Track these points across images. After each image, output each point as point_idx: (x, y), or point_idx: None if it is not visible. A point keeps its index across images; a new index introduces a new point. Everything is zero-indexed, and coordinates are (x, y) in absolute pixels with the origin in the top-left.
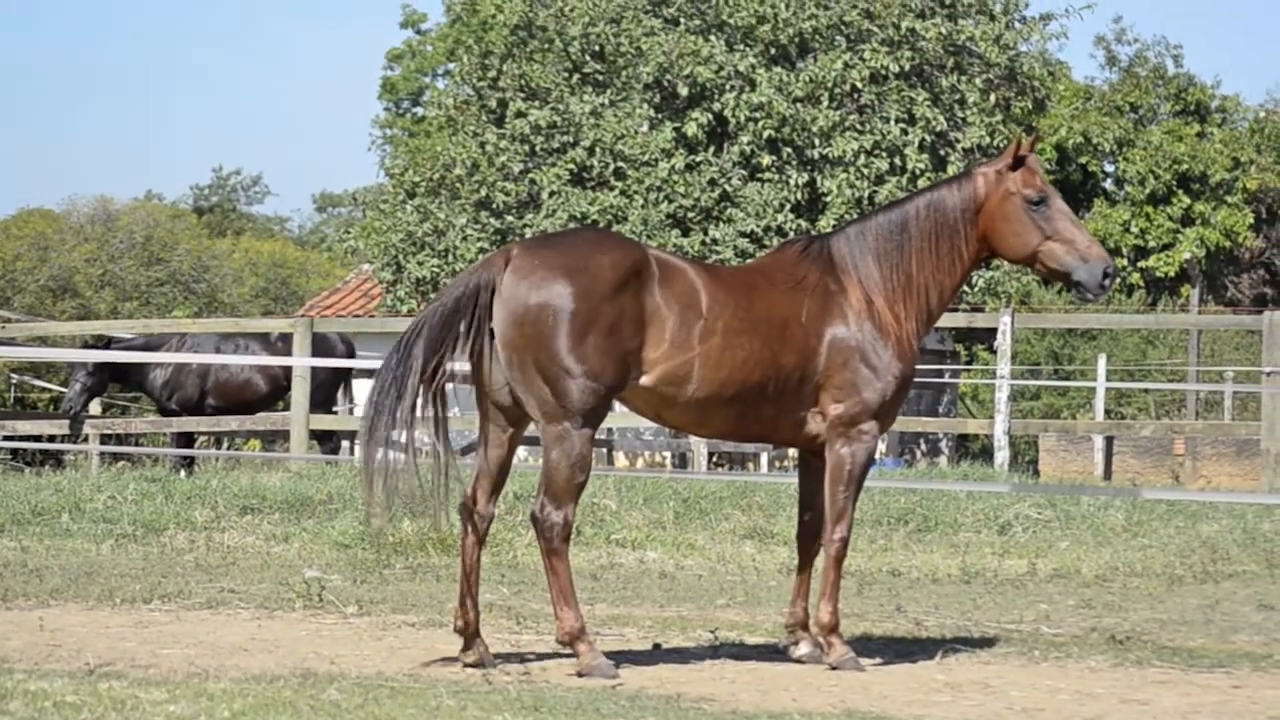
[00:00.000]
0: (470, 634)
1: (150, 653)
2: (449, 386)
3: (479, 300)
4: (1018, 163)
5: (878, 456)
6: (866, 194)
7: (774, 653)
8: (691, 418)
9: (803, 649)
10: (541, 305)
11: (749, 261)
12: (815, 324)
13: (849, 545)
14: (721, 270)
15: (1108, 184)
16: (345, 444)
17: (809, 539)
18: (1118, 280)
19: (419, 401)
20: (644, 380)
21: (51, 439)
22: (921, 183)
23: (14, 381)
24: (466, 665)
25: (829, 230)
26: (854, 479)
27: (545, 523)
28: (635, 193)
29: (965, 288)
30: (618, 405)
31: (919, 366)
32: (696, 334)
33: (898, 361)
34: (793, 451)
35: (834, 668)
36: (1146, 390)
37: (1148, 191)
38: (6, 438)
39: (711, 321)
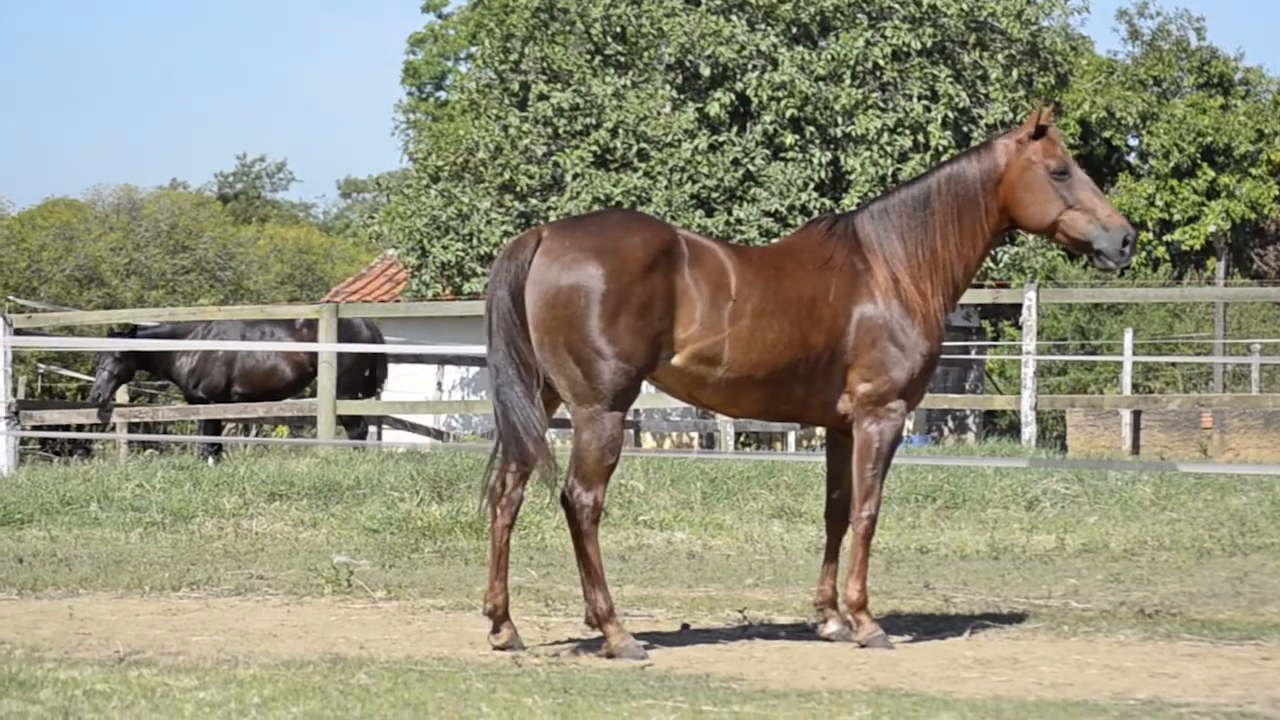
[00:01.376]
0: (500, 617)
1: (180, 640)
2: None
3: (516, 286)
4: (1039, 133)
5: (904, 434)
6: (890, 171)
7: (803, 631)
8: (723, 398)
9: (831, 627)
10: (573, 286)
11: (775, 242)
12: (843, 303)
13: (877, 523)
14: (749, 251)
15: (1132, 158)
16: (372, 429)
17: (837, 517)
18: (1139, 250)
19: (535, 384)
20: (675, 361)
21: (79, 428)
22: (945, 160)
23: (41, 371)
24: (496, 648)
25: (853, 209)
26: (882, 457)
27: (575, 504)
28: (659, 174)
29: (990, 264)
30: (646, 386)
31: (945, 344)
32: (726, 315)
33: (925, 340)
34: (820, 430)
35: (863, 645)
36: (1173, 364)
37: (1172, 165)
38: (35, 427)
39: (741, 303)
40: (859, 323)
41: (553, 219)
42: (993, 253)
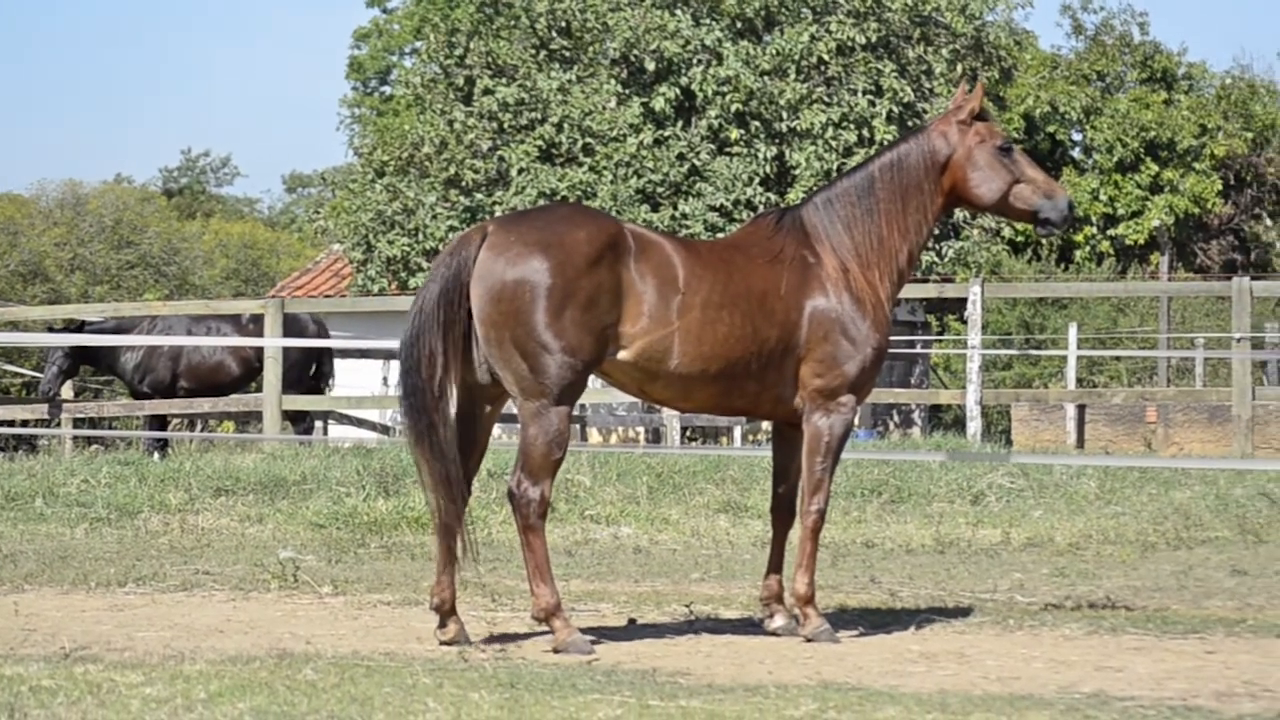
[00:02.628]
0: (446, 611)
1: (126, 636)
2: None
3: (462, 281)
4: (982, 114)
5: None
6: (835, 166)
7: (749, 626)
8: (675, 392)
9: (778, 622)
10: (519, 281)
11: (723, 236)
12: (795, 296)
13: (825, 517)
14: (698, 245)
15: (1076, 152)
16: (319, 424)
17: (783, 512)
18: (1084, 245)
19: (448, 394)
20: (623, 355)
21: (25, 423)
22: None
23: None
24: (443, 643)
25: (799, 201)
26: (832, 450)
27: (522, 499)
28: (604, 168)
29: (935, 258)
30: (593, 380)
31: (891, 339)
32: (675, 308)
33: (875, 333)
34: (766, 425)
35: (809, 640)
36: (1118, 358)
37: (1116, 159)
38: None
39: (689, 296)
40: (811, 316)
41: (499, 214)
42: (938, 247)
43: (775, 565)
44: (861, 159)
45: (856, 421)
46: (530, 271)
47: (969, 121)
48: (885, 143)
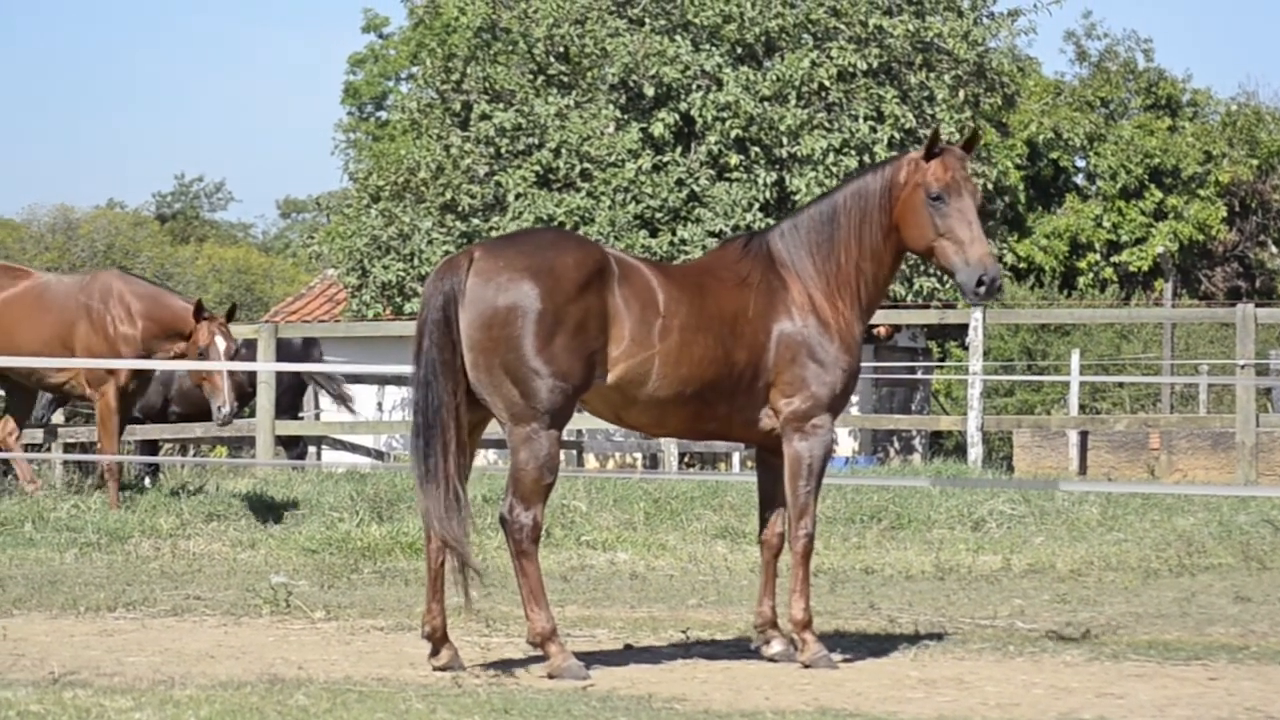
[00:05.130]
0: (439, 638)
1: (115, 661)
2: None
3: (451, 308)
4: (931, 153)
5: (851, 454)
6: None
7: (746, 652)
8: (651, 417)
9: (775, 647)
10: (510, 307)
11: (692, 260)
12: (762, 320)
13: (814, 540)
14: (672, 268)
15: (1079, 179)
16: (311, 450)
17: (772, 538)
18: (1086, 271)
19: (455, 429)
20: (608, 379)
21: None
22: None
23: None
24: (436, 669)
25: (766, 227)
26: (814, 473)
27: (514, 524)
28: (602, 194)
29: (937, 284)
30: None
31: (891, 364)
32: (656, 332)
33: (845, 354)
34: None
35: (808, 666)
36: (1121, 385)
37: (1120, 186)
38: None
39: (669, 319)
40: (778, 339)
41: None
42: (939, 274)
43: (768, 591)
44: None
45: (857, 447)
46: (521, 297)
47: (920, 160)
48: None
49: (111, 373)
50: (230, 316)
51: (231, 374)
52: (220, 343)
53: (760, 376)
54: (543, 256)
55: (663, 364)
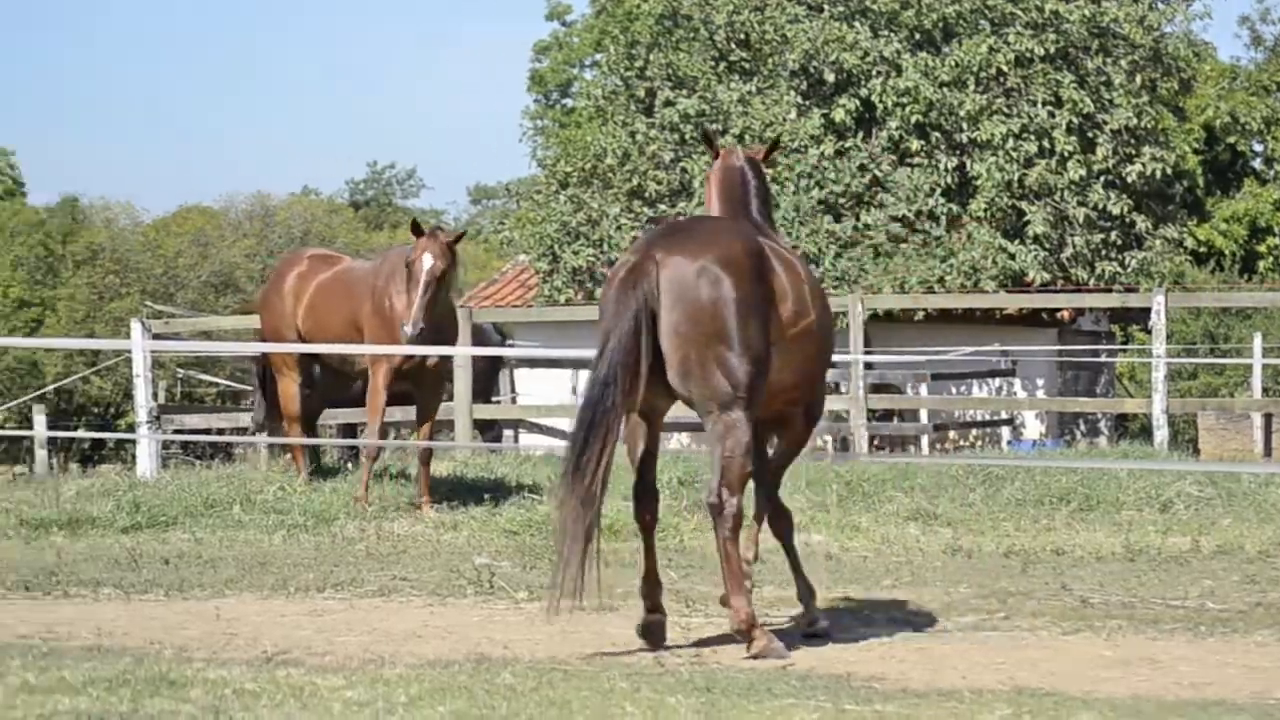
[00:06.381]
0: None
1: (325, 640)
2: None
3: (649, 312)
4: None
5: (1038, 437)
6: (1016, 176)
7: (941, 632)
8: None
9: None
10: (715, 300)
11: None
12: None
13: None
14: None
15: (1257, 163)
16: (508, 433)
17: (779, 519)
18: (1266, 254)
19: (616, 433)
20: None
21: (220, 432)
22: (1071, 165)
23: (180, 376)
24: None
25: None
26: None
27: (725, 512)
28: (786, 179)
29: (1119, 269)
30: None
31: (1076, 347)
32: (791, 312)
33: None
34: (953, 434)
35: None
36: None
37: None
38: (176, 431)
39: (801, 302)
40: (821, 309)
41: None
42: (1121, 258)
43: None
44: (1042, 170)
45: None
46: (723, 288)
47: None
48: (1065, 154)
49: None
50: (459, 239)
51: (429, 298)
52: (426, 260)
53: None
54: (725, 246)
55: (790, 345)
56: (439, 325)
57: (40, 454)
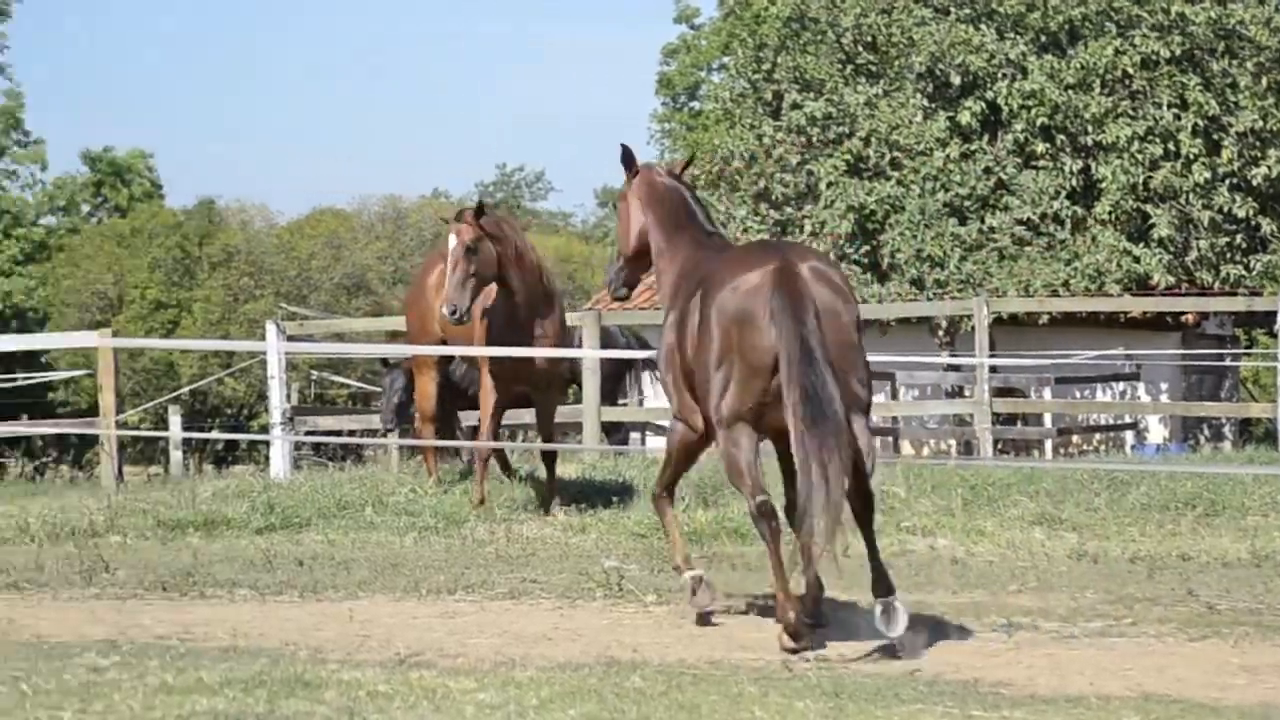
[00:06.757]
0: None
1: (458, 642)
2: None
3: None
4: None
5: (1162, 441)
6: (1141, 179)
7: (1069, 639)
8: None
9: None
10: (856, 316)
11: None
12: None
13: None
14: None
15: None
16: (635, 435)
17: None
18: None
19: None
20: None
21: (351, 433)
22: (1196, 167)
23: (313, 378)
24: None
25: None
26: None
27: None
28: (911, 182)
29: (1244, 272)
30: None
31: (1200, 351)
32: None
33: None
34: (1076, 438)
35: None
36: None
37: None
38: (308, 433)
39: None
40: None
41: (808, 227)
42: (1245, 261)
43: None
44: (1168, 173)
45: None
46: (856, 305)
47: None
48: (1191, 157)
49: None
50: (479, 214)
51: (459, 276)
52: (450, 241)
53: None
54: (831, 263)
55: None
56: (525, 321)
57: (175, 455)
